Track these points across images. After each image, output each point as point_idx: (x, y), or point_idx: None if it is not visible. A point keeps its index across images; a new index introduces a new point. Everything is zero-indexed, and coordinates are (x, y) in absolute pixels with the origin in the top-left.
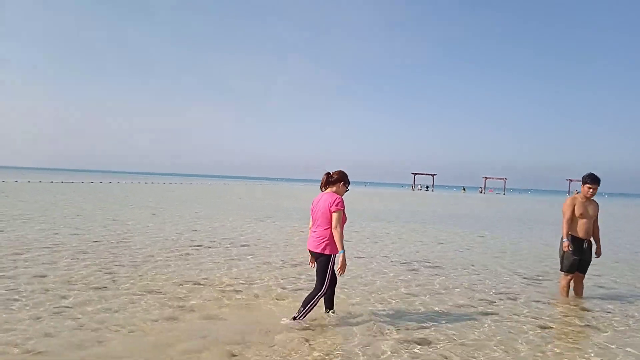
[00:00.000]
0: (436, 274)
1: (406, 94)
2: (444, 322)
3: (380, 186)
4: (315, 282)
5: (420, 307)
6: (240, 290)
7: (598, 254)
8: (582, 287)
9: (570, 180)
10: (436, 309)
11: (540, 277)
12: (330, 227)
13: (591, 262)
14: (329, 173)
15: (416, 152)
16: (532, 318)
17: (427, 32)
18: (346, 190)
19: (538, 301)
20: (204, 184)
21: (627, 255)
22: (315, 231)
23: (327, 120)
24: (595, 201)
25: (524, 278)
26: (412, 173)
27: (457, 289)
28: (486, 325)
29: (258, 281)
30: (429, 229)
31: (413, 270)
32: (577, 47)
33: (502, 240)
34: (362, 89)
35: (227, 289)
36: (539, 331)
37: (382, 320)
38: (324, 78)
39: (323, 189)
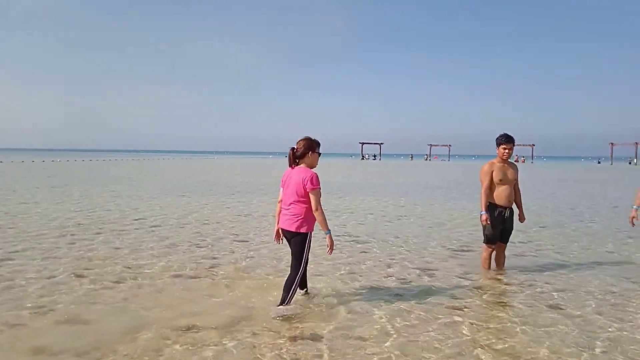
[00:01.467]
0: (357, 249)
1: (352, 68)
2: (348, 304)
3: (330, 157)
4: (291, 264)
5: (327, 288)
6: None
7: (521, 220)
8: (504, 258)
9: (533, 145)
10: (343, 289)
11: (465, 248)
12: (305, 204)
13: (515, 229)
14: (293, 148)
15: (364, 123)
16: (445, 296)
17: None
18: (319, 155)
19: (455, 276)
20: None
21: (553, 220)
22: (288, 209)
23: (274, 96)
24: (514, 164)
25: (450, 250)
26: (360, 143)
27: (375, 265)
28: (394, 306)
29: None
30: (368, 198)
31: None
32: (507, 13)
33: (438, 209)
34: (310, 65)
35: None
36: (450, 311)
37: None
38: (269, 62)
39: (292, 165)
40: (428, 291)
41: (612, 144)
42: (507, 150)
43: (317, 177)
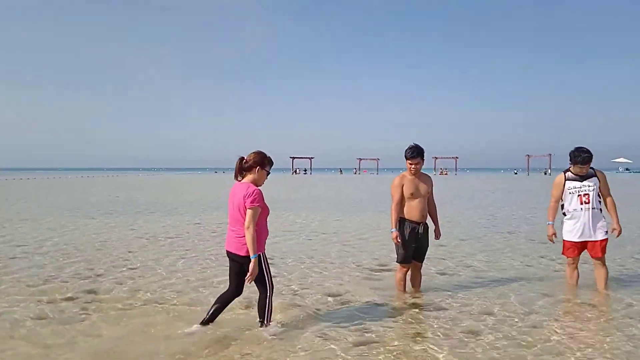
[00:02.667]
0: None
1: (285, 86)
2: (241, 337)
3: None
4: (258, 289)
5: (222, 318)
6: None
7: (437, 236)
8: (420, 278)
9: (436, 158)
10: (241, 319)
11: (382, 268)
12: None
13: (433, 244)
14: (242, 158)
15: (295, 137)
16: (354, 326)
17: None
18: (267, 174)
19: (367, 302)
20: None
21: (473, 232)
22: (234, 229)
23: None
24: (427, 175)
25: (366, 270)
26: (290, 157)
27: (282, 291)
28: (296, 336)
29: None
30: (285, 214)
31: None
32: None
33: (358, 224)
34: (240, 83)
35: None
36: (359, 342)
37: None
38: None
39: (238, 177)
40: (336, 319)
41: (528, 155)
42: (412, 165)
43: (259, 194)
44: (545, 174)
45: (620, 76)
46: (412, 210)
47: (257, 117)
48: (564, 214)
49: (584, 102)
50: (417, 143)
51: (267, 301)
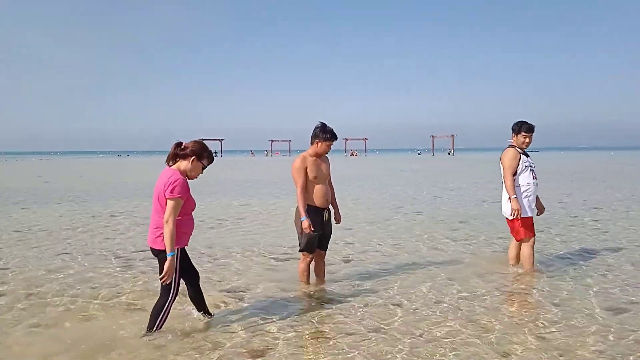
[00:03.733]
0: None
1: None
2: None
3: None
4: (160, 288)
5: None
6: None
7: (338, 220)
8: (324, 267)
9: (346, 140)
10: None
11: (286, 257)
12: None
13: (337, 229)
14: (180, 143)
15: (205, 118)
16: (249, 327)
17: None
18: (203, 168)
19: (268, 297)
20: None
21: (381, 214)
22: (152, 220)
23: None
24: (326, 157)
25: (269, 260)
26: (200, 139)
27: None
28: (186, 343)
29: None
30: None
31: (127, 266)
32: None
33: (265, 209)
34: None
35: None
36: (247, 343)
37: None
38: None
39: (170, 162)
40: (230, 319)
41: (433, 136)
42: (329, 148)
43: (182, 184)
44: (449, 154)
45: (509, 62)
46: (317, 195)
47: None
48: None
49: (483, 86)
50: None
51: (165, 307)
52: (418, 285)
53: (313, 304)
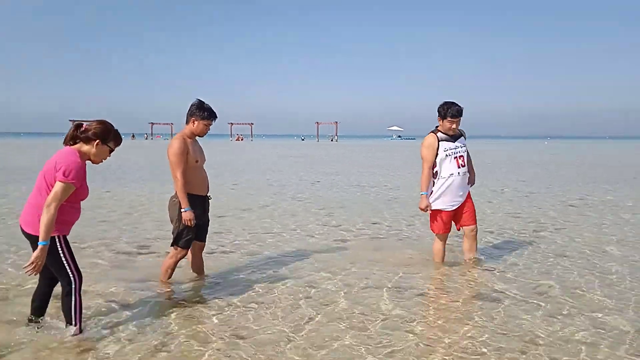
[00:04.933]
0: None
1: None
2: None
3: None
4: (61, 282)
5: None
6: None
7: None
8: (202, 261)
9: (232, 124)
10: None
11: (146, 250)
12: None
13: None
14: (80, 124)
15: (73, 98)
16: (84, 342)
17: None
18: (110, 152)
19: (117, 303)
20: None
21: (258, 200)
22: (31, 200)
23: None
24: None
25: (123, 255)
26: (70, 120)
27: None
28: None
29: None
30: None
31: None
32: None
33: (136, 195)
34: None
35: None
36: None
37: None
38: None
39: (70, 143)
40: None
41: (317, 122)
42: (208, 128)
43: (79, 169)
44: (332, 140)
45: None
46: (199, 182)
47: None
48: (434, 181)
49: (361, 76)
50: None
51: (74, 296)
52: (288, 279)
53: (177, 307)
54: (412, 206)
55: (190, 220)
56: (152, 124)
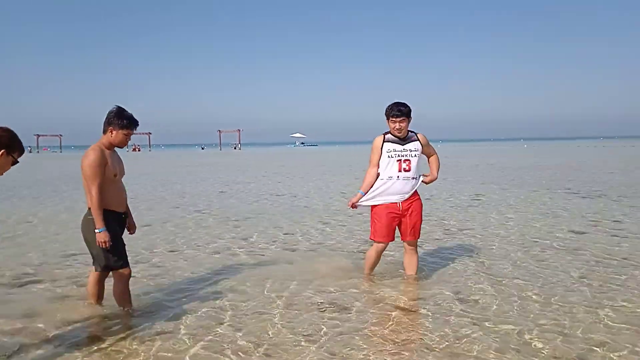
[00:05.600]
0: None
1: None
2: None
3: None
4: None
5: None
6: None
7: (132, 229)
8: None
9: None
10: None
11: (36, 278)
12: None
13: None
14: None
15: None
16: None
17: None
18: (14, 163)
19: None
20: None
21: (161, 215)
22: None
23: None
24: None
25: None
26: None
27: None
28: None
29: None
30: None
31: None
32: None
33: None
34: None
35: None
36: None
37: None
38: None
39: None
40: None
41: (220, 130)
42: (129, 137)
43: None
44: (235, 148)
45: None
46: (116, 197)
47: None
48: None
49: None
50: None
51: None
52: (200, 300)
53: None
54: (324, 214)
55: (105, 242)
56: (38, 135)
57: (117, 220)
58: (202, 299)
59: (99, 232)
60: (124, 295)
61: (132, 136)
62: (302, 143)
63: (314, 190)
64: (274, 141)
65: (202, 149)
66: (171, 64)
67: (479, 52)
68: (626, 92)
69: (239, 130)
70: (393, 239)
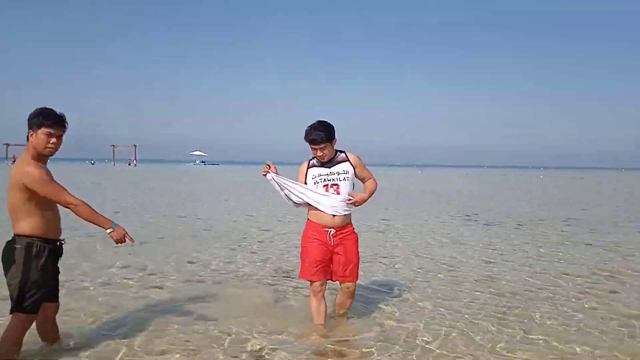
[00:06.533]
0: None
1: None
2: None
3: None
4: None
5: None
6: None
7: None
8: (56, 326)
9: (7, 145)
10: None
11: None
12: None
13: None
14: None
15: None
16: None
17: None
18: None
19: None
20: None
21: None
22: None
23: None
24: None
25: None
26: None
27: None
28: None
29: None
30: None
31: None
32: None
33: None
34: None
35: None
36: None
37: None
38: None
39: None
40: None
41: (113, 145)
42: (52, 137)
43: None
44: (130, 164)
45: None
46: (51, 220)
47: None
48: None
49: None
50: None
51: None
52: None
53: None
54: (229, 239)
55: (122, 237)
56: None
57: (51, 250)
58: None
59: (112, 231)
60: (13, 346)
61: (11, 147)
62: (203, 161)
63: (216, 214)
64: (173, 158)
65: (92, 164)
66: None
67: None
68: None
69: (134, 145)
70: (327, 278)
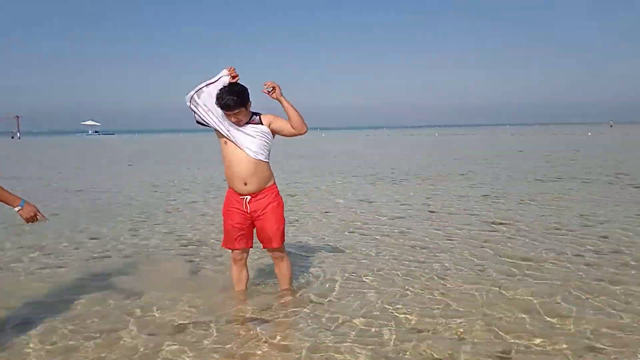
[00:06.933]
0: None
1: None
2: None
3: None
4: None
5: None
6: None
7: None
8: None
9: None
10: None
11: None
12: None
13: None
14: None
15: None
16: None
17: None
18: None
19: None
20: None
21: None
22: None
23: None
24: None
25: None
26: None
27: None
28: None
29: None
30: None
31: None
32: None
33: None
34: None
35: None
36: None
37: None
38: None
39: None
40: None
41: None
42: None
43: None
44: (13, 137)
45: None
46: None
47: None
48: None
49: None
50: None
51: None
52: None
53: None
54: (132, 211)
55: (33, 215)
56: None
57: None
58: None
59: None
60: None
61: None
62: (97, 131)
63: (118, 185)
64: (62, 129)
65: None
66: None
67: None
68: None
69: (17, 116)
70: (248, 245)
